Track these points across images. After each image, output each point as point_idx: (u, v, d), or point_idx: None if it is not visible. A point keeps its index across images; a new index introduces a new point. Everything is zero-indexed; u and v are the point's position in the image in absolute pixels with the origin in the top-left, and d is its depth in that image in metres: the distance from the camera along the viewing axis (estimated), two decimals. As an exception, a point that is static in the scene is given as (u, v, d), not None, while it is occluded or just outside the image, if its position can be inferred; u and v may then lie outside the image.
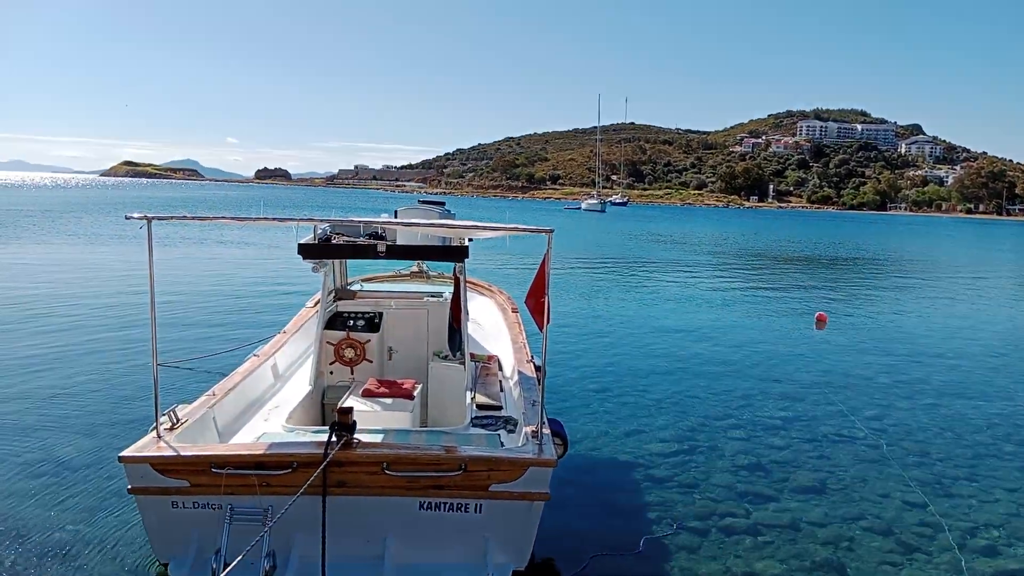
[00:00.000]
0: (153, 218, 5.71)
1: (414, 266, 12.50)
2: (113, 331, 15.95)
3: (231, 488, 5.47)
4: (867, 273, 40.51)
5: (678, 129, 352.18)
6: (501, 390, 7.94)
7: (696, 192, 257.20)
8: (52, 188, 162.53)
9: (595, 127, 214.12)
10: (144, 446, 5.66)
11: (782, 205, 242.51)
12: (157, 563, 5.93)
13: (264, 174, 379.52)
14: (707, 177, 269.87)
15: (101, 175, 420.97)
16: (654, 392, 12.70)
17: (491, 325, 11.33)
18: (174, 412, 6.28)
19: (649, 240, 60.29)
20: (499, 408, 7.41)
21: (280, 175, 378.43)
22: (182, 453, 5.54)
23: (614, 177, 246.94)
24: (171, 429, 6.03)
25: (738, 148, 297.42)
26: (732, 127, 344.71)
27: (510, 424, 6.99)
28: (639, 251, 48.01)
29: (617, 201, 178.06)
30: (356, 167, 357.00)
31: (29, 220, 53.07)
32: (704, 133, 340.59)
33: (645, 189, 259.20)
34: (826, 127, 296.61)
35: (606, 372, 13.98)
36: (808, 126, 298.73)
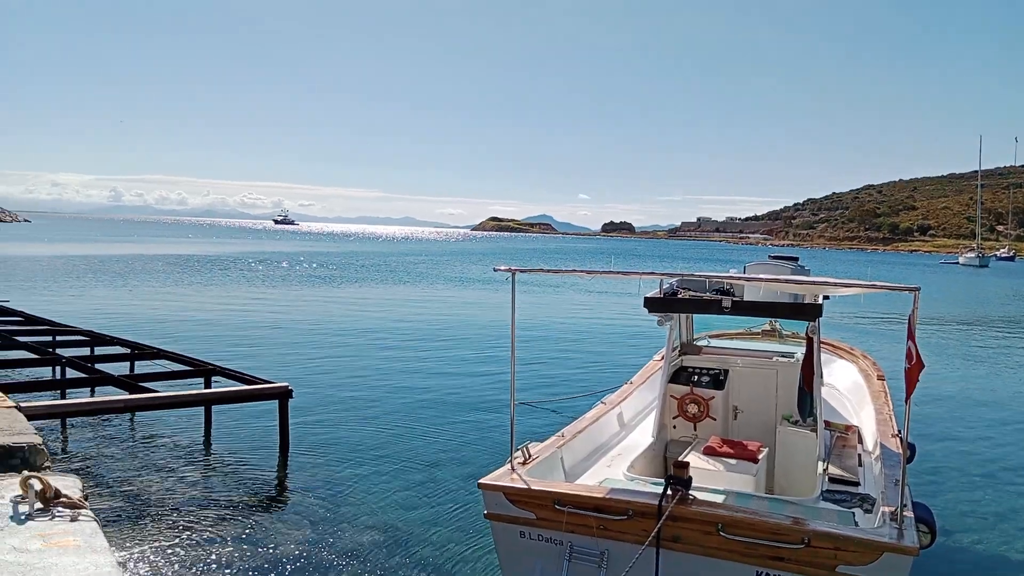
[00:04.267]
0: (517, 270, 6.33)
1: (766, 324, 12.02)
2: (479, 368, 17.84)
3: (571, 526, 5.72)
4: None
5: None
6: (859, 464, 7.22)
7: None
8: (434, 241, 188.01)
9: (975, 171, 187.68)
10: (499, 476, 6.17)
11: None
12: (506, 587, 6.37)
13: (610, 227, 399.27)
14: None
15: (472, 229, 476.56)
16: (1056, 486, 10.51)
17: (851, 392, 10.39)
18: (527, 448, 6.76)
19: (1048, 302, 50.59)
20: (855, 483, 6.73)
21: (624, 228, 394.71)
22: (531, 487, 5.93)
23: (1000, 227, 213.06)
24: (523, 463, 6.50)
25: None
26: None
27: (867, 503, 6.30)
28: (1034, 315, 40.55)
29: (1003, 255, 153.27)
30: (698, 219, 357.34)
31: (416, 267, 62.62)
32: None
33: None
34: None
35: (990, 454, 11.94)
36: None
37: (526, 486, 5.95)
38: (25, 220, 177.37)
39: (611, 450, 8.14)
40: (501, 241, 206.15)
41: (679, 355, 9.44)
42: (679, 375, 9.04)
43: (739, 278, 7.06)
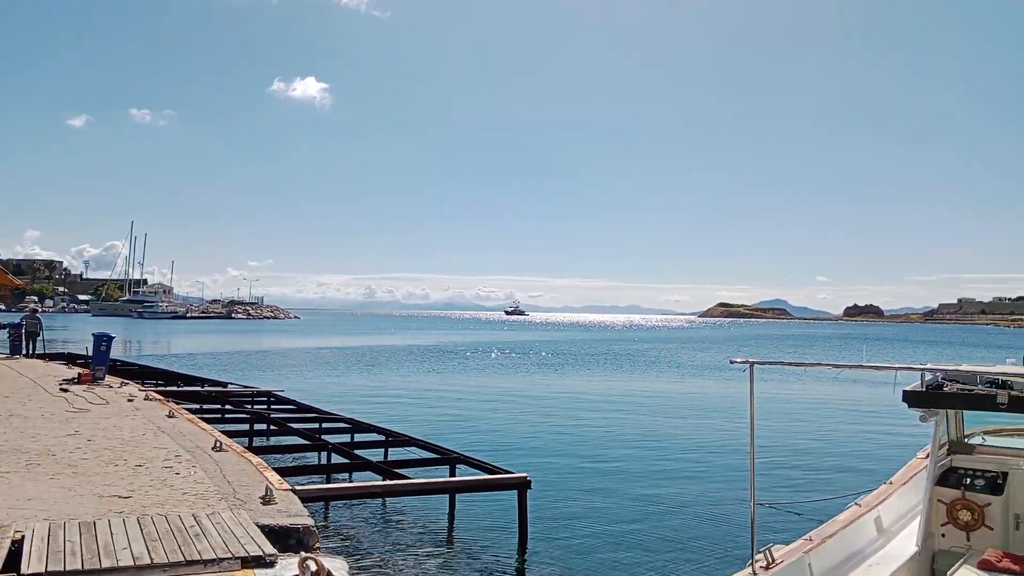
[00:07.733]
0: (755, 363, 6.16)
1: None
2: (715, 461, 17.17)
3: None
4: None
5: None
6: None
7: None
8: (660, 328, 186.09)
9: None
10: None
11: None
12: None
13: (853, 311, 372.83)
14: None
15: (699, 316, 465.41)
16: None
17: None
18: (770, 551, 6.37)
19: None
20: None
21: (871, 311, 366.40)
22: None
23: None
24: (766, 568, 6.12)
25: None
26: None
27: None
28: None
29: None
30: (959, 300, 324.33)
31: (645, 354, 62.56)
32: None
33: None
34: None
35: None
36: None
37: None
38: (296, 316, 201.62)
39: (867, 558, 7.44)
40: (730, 328, 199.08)
41: (947, 454, 8.51)
42: (947, 477, 8.13)
43: (1017, 372, 6.34)
